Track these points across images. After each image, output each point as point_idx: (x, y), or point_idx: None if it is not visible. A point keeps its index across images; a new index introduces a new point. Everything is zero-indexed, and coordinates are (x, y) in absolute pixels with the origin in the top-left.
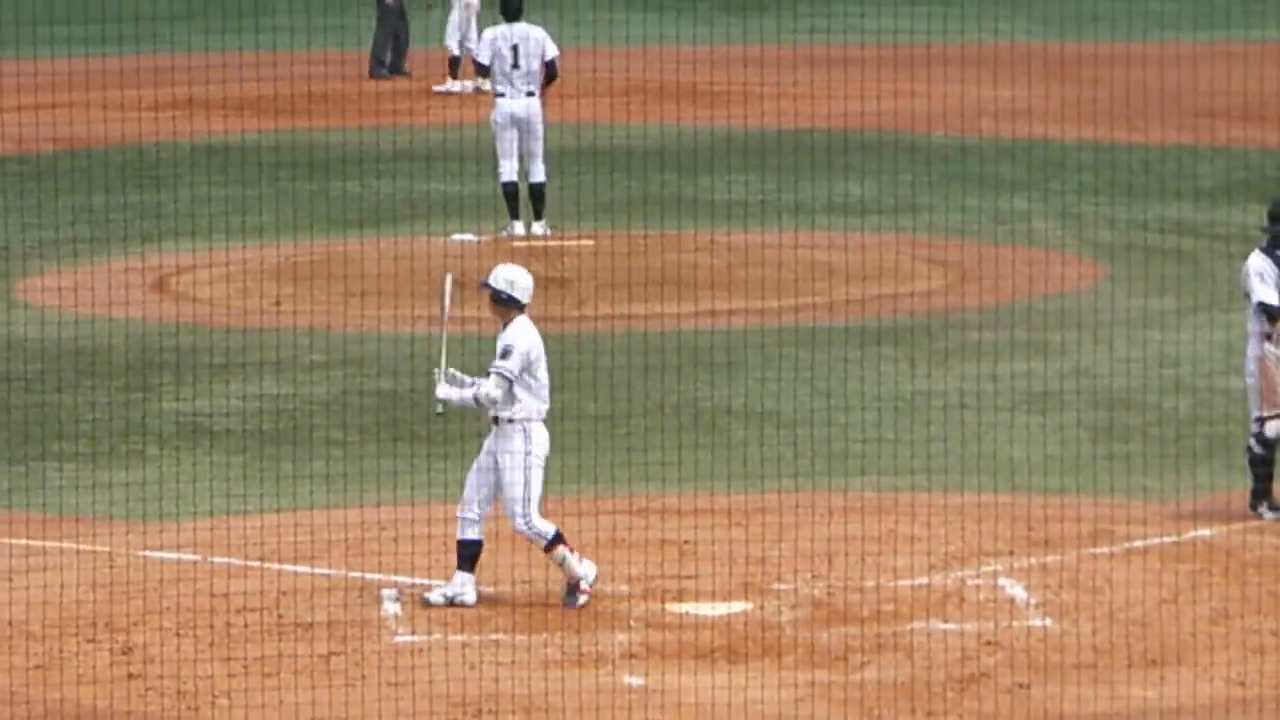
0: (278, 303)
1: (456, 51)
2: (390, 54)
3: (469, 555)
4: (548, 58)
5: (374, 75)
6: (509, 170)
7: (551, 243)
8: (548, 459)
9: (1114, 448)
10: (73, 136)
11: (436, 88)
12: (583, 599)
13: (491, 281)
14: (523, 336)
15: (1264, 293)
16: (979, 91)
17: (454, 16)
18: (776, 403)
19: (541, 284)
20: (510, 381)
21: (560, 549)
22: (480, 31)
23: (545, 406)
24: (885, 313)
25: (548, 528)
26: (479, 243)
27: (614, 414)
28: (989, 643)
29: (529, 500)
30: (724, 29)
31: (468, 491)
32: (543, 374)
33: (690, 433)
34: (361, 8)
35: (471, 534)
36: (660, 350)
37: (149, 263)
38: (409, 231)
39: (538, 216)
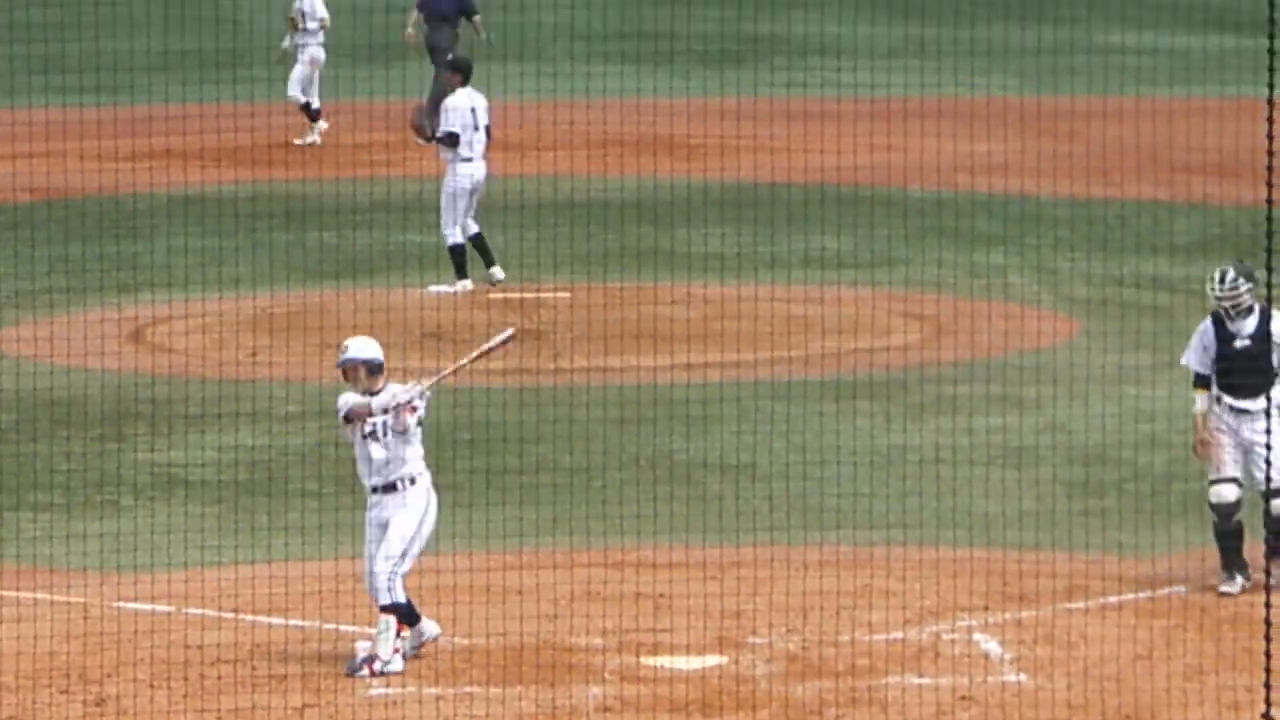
0: (254, 354)
1: (312, 101)
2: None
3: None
4: (489, 120)
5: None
6: (459, 233)
7: (528, 294)
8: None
9: (1089, 503)
10: (50, 187)
11: (297, 140)
12: (363, 671)
13: (358, 355)
14: (409, 388)
15: (1186, 355)
16: (955, 146)
17: (298, 70)
18: (752, 456)
19: (518, 336)
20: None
21: (391, 619)
22: (320, 86)
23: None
24: (861, 367)
25: (402, 593)
26: (455, 294)
27: (589, 466)
28: (964, 698)
29: (404, 555)
30: (701, 82)
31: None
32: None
33: (666, 485)
34: (339, 58)
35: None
36: (636, 403)
37: (125, 313)
38: (385, 283)
39: (491, 263)
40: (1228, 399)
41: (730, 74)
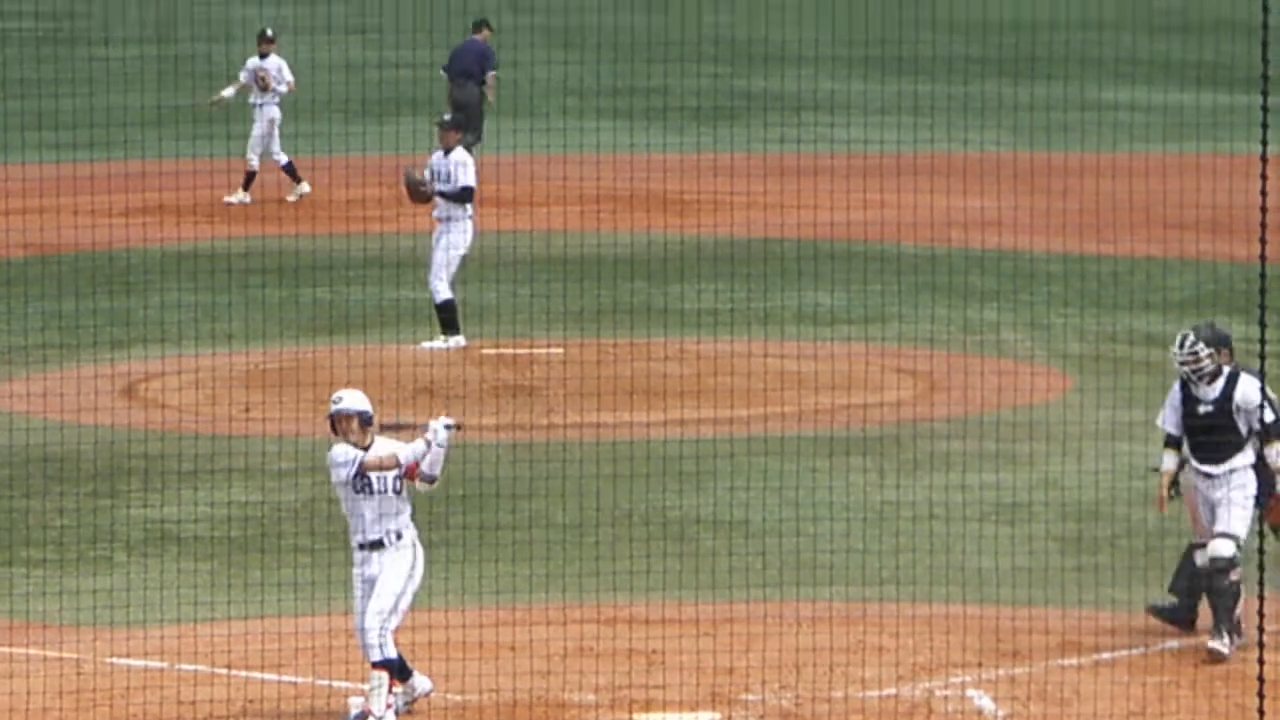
0: (247, 409)
1: (255, 166)
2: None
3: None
4: None
5: None
6: (449, 289)
7: (520, 350)
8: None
9: (1082, 559)
10: (43, 242)
11: (227, 198)
12: None
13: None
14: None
15: (1160, 415)
16: (948, 201)
17: (257, 130)
18: (745, 512)
19: (510, 392)
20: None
21: (383, 675)
22: (279, 142)
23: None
24: (855, 422)
25: (393, 649)
26: (448, 350)
27: (583, 522)
28: None
29: (393, 610)
30: (694, 137)
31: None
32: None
33: (659, 542)
34: (333, 115)
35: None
36: (629, 459)
37: (118, 369)
38: (379, 339)
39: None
40: (1194, 462)
41: (723, 130)
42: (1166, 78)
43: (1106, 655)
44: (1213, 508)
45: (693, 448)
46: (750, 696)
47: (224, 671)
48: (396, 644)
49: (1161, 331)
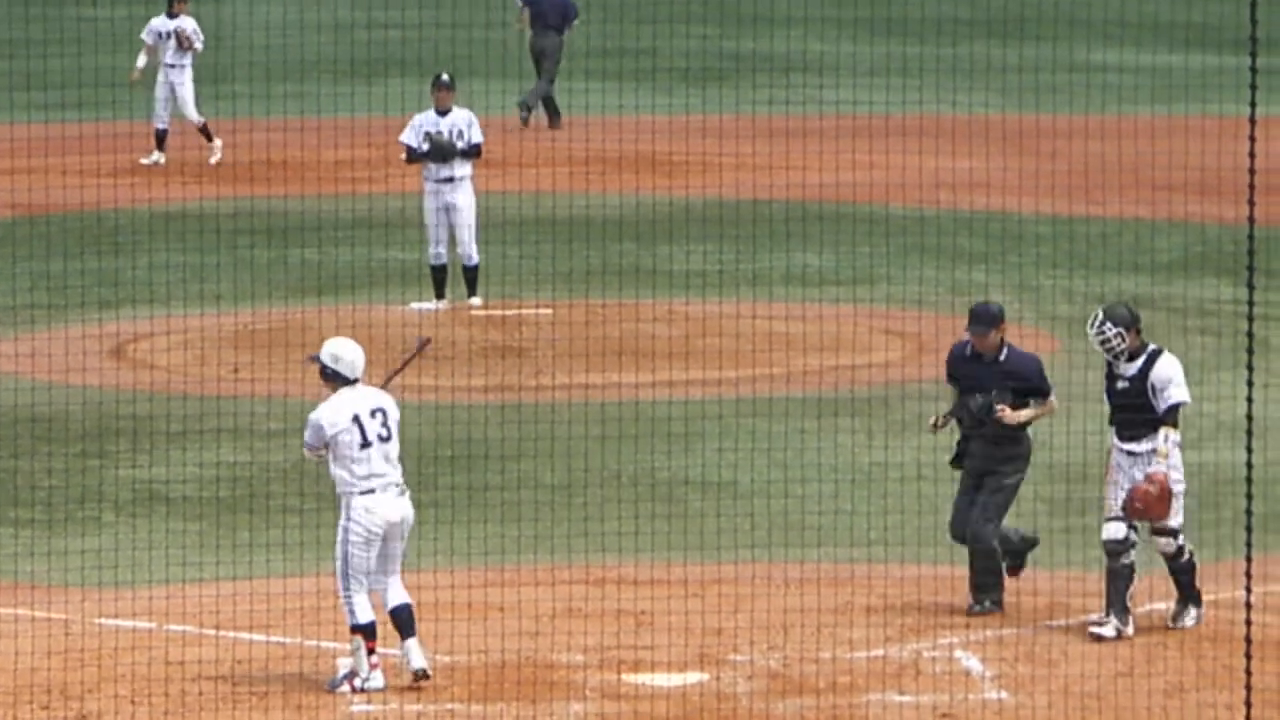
0: (235, 370)
1: (199, 120)
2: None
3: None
4: None
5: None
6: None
7: (509, 311)
8: (365, 540)
9: (1070, 520)
10: (31, 203)
11: (213, 159)
12: (344, 687)
13: (320, 355)
14: (324, 411)
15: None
16: (937, 163)
17: (189, 92)
18: (734, 473)
19: (499, 353)
20: (312, 452)
21: (358, 638)
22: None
23: (367, 479)
24: (843, 384)
25: (361, 613)
26: (438, 311)
27: (571, 484)
28: (945, 715)
29: (344, 575)
30: (683, 99)
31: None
32: (356, 448)
33: (647, 503)
34: (321, 75)
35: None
36: (618, 420)
37: (106, 329)
38: (367, 300)
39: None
40: (1116, 440)
41: (712, 91)
42: (1155, 39)
43: (1093, 617)
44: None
45: (681, 409)
46: (738, 657)
47: (212, 632)
48: (368, 607)
49: (1150, 293)
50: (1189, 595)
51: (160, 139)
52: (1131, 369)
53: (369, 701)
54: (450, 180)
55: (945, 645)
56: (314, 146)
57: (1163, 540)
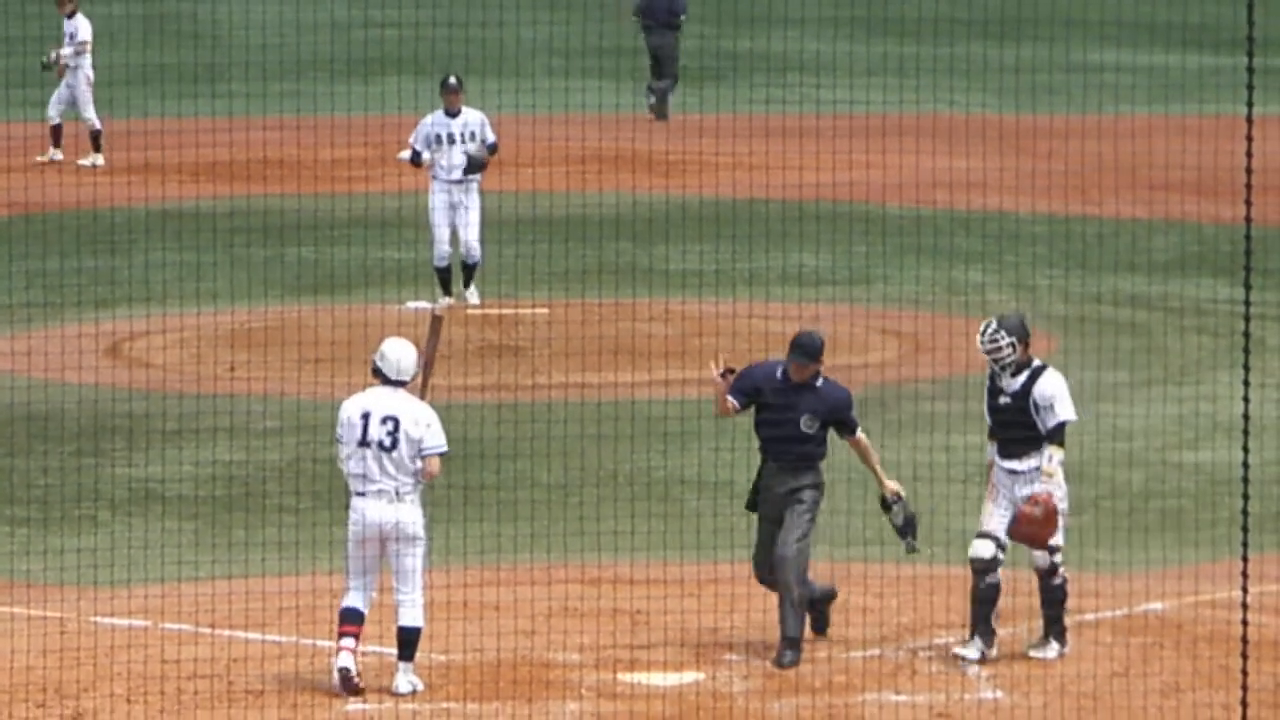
0: (231, 369)
1: (97, 125)
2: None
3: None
4: None
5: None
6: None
7: (506, 311)
8: (356, 540)
9: (1066, 520)
10: (27, 201)
11: (80, 161)
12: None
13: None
14: (346, 401)
15: None
16: (934, 163)
17: (87, 93)
18: (730, 473)
19: (496, 352)
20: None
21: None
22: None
23: (358, 480)
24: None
25: (345, 600)
26: (434, 311)
27: (567, 483)
28: (940, 715)
29: (345, 571)
30: (680, 98)
31: None
32: (354, 445)
33: (643, 502)
34: (318, 74)
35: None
36: (614, 419)
37: (103, 328)
38: (363, 299)
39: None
40: (997, 457)
41: (710, 90)
42: (1152, 39)
43: (1090, 616)
44: (1011, 506)
45: (678, 408)
46: (734, 657)
47: (208, 630)
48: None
49: (1146, 293)
50: (1053, 626)
51: (55, 135)
52: (1015, 384)
53: (364, 700)
54: (461, 181)
55: (942, 645)
56: (311, 145)
57: (1039, 553)
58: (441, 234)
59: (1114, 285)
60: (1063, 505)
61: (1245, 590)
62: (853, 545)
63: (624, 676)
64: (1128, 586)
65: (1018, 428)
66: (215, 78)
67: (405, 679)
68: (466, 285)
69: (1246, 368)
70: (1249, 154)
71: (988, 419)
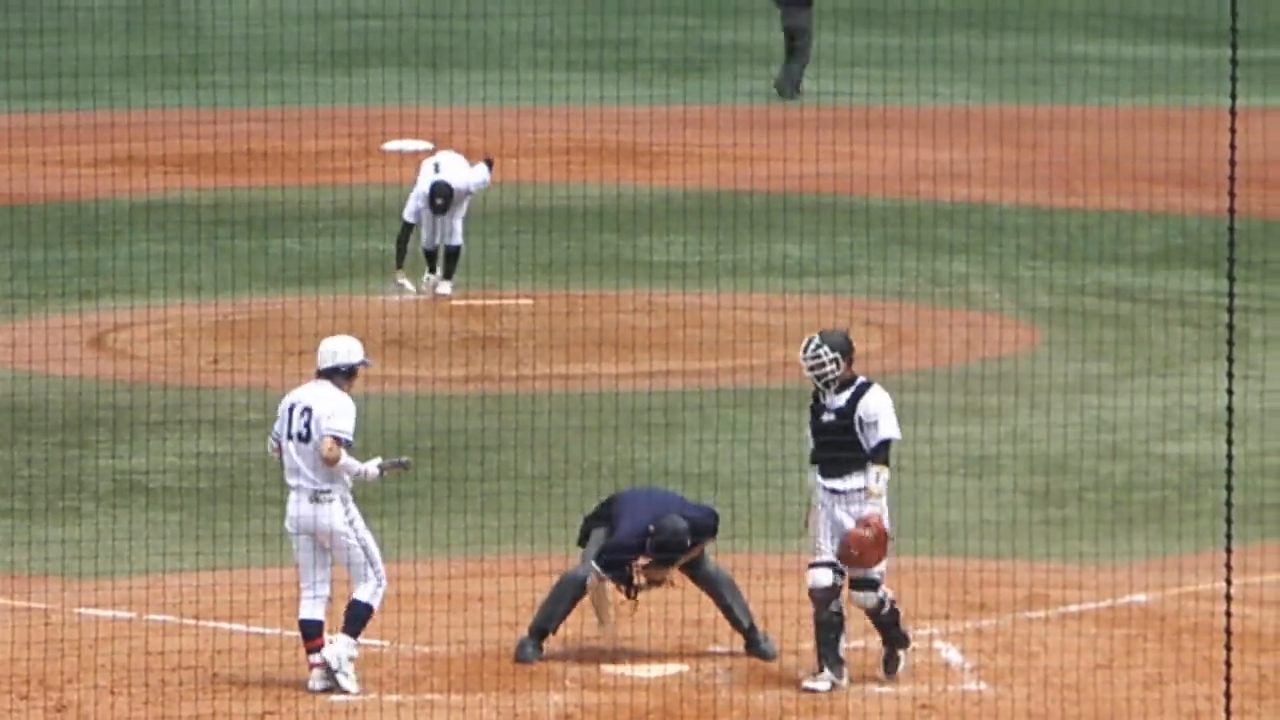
0: (215, 360)
1: None
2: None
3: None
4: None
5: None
6: None
7: (490, 301)
8: (291, 535)
9: (1050, 512)
10: (11, 193)
11: None
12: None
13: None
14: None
15: None
16: (918, 154)
17: None
18: (714, 464)
19: (479, 343)
20: None
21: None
22: None
23: (288, 475)
24: None
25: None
26: (417, 299)
27: (551, 474)
28: (924, 706)
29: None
30: (663, 90)
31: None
32: (284, 439)
33: None
34: (301, 65)
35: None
36: (598, 410)
37: (87, 319)
38: (348, 290)
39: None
40: (820, 477)
41: (693, 82)
42: (1136, 31)
43: (1074, 608)
44: (835, 528)
45: (661, 399)
46: (718, 648)
47: (192, 622)
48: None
49: (1130, 284)
50: (895, 639)
51: None
52: (839, 401)
53: (349, 692)
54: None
55: (925, 636)
56: (294, 137)
57: (860, 595)
58: (427, 226)
59: (1098, 277)
60: (889, 527)
61: (1229, 582)
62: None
63: (607, 668)
64: (1111, 578)
65: (841, 447)
66: (199, 69)
67: (333, 650)
68: (448, 275)
69: (1230, 359)
70: (1233, 146)
71: (810, 439)
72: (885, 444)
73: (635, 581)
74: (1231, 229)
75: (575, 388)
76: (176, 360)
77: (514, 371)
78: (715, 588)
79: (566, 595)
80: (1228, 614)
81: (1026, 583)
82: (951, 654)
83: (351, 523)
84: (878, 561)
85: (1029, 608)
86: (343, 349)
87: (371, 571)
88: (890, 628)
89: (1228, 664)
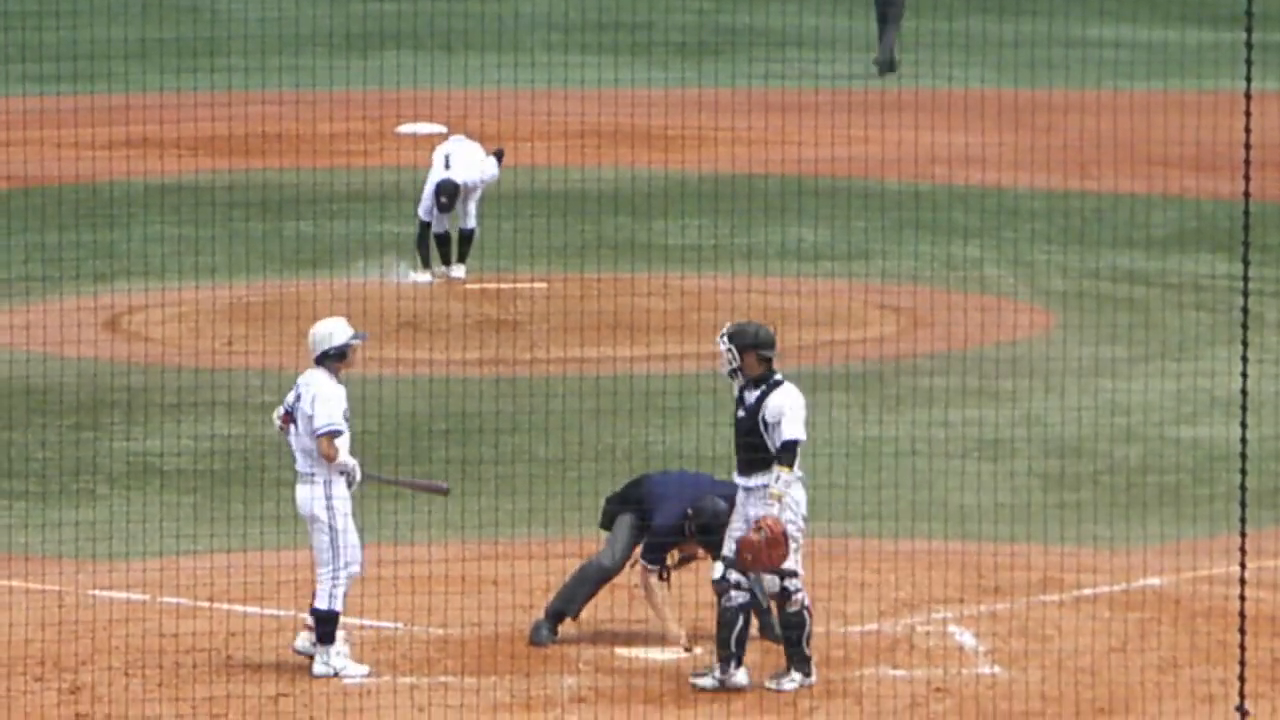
0: (229, 343)
1: None
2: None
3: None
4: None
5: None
6: None
7: (504, 285)
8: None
9: (1064, 496)
10: (26, 175)
11: None
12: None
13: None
14: None
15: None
16: (932, 138)
17: None
18: (728, 447)
19: (494, 326)
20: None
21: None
22: None
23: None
24: (837, 359)
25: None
26: (431, 284)
27: (565, 457)
28: (938, 690)
29: None
30: (678, 73)
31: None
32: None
33: None
34: (317, 48)
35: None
36: (612, 394)
37: (101, 302)
38: (362, 273)
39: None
40: (736, 472)
41: (708, 65)
42: (1151, 14)
43: (1088, 591)
44: (747, 524)
45: (676, 383)
46: None
47: (205, 604)
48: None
49: (1145, 268)
50: (794, 654)
51: None
52: (750, 398)
53: (357, 677)
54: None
55: (939, 620)
56: (309, 119)
57: (768, 578)
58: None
59: (1112, 261)
60: (794, 529)
61: (1243, 565)
62: (850, 520)
63: (621, 651)
64: (1125, 562)
65: (747, 446)
66: (214, 52)
67: (320, 662)
68: (462, 259)
69: (1245, 343)
70: (1248, 129)
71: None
72: (788, 445)
73: (668, 564)
74: (1246, 212)
75: (589, 371)
76: (191, 343)
77: (528, 355)
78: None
79: (588, 581)
80: (1242, 598)
81: (1041, 566)
82: (966, 637)
83: (330, 509)
84: (774, 564)
85: (1043, 591)
86: (324, 333)
87: (330, 569)
88: (794, 636)
89: (1242, 648)
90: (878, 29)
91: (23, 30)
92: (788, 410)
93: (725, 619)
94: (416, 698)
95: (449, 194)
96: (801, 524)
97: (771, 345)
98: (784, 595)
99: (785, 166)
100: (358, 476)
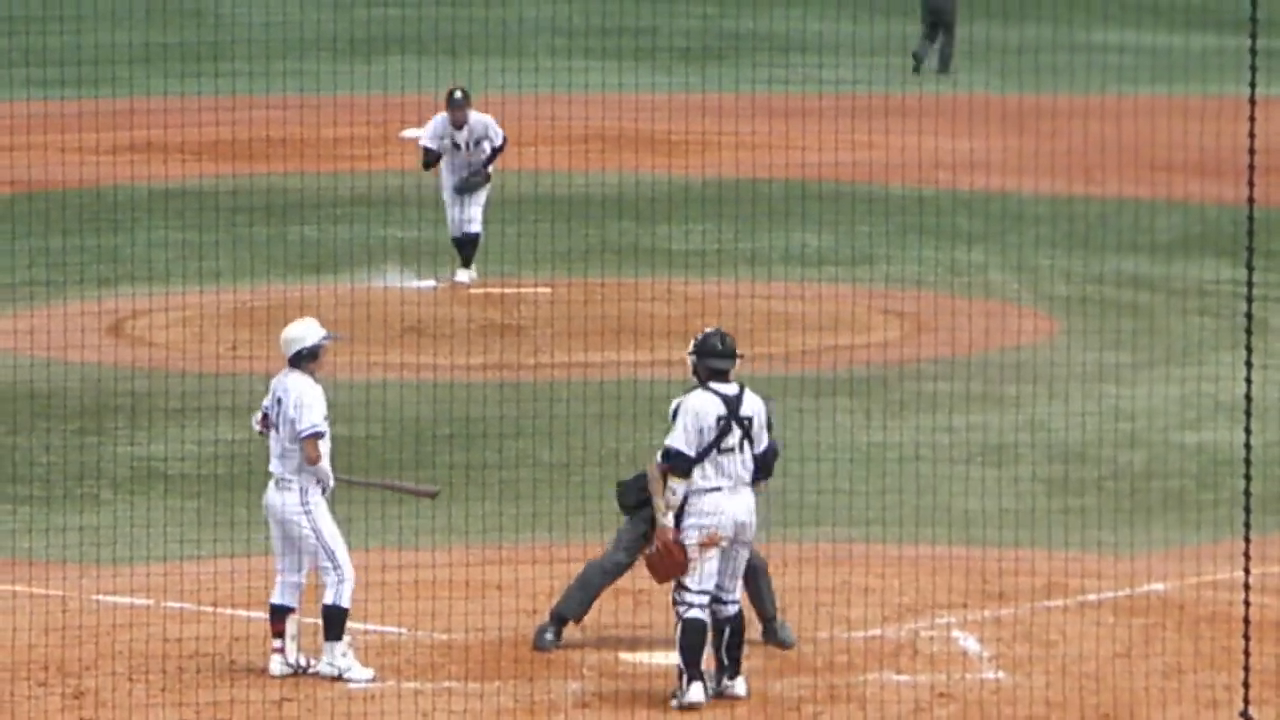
0: (234, 347)
1: None
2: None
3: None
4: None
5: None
6: None
7: (508, 290)
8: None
9: (1068, 501)
10: (30, 179)
11: None
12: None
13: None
14: None
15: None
16: (936, 143)
17: None
18: None
19: (498, 331)
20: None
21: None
22: None
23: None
24: (841, 364)
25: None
26: (435, 289)
27: (569, 462)
28: (942, 695)
29: None
30: (682, 78)
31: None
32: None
33: None
34: (321, 52)
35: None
36: (616, 399)
37: (105, 306)
38: (366, 278)
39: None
40: None
41: (712, 70)
42: (1155, 19)
43: (1092, 597)
44: None
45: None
46: None
47: (209, 609)
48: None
49: (1149, 273)
50: (684, 665)
51: None
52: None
53: (361, 681)
54: (481, 173)
55: (943, 625)
56: (313, 124)
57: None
58: (451, 212)
59: (1116, 266)
60: (692, 539)
61: (1247, 571)
62: (854, 525)
63: (625, 656)
64: (1130, 567)
65: None
66: (218, 56)
67: (325, 660)
68: (466, 264)
69: (1248, 349)
70: (1252, 135)
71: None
72: (669, 454)
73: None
74: (1251, 218)
75: (594, 376)
76: (195, 347)
77: (532, 359)
78: (749, 571)
79: (592, 585)
80: (1246, 603)
81: (1045, 571)
82: (970, 643)
83: (308, 513)
84: (673, 575)
85: (1047, 596)
86: (297, 335)
87: (332, 567)
88: (683, 647)
89: (1246, 653)
90: (925, 32)
91: (27, 35)
92: (680, 417)
93: (688, 631)
94: (420, 703)
95: (463, 92)
96: (716, 530)
97: (714, 354)
98: (674, 604)
99: (789, 171)
100: (330, 483)
